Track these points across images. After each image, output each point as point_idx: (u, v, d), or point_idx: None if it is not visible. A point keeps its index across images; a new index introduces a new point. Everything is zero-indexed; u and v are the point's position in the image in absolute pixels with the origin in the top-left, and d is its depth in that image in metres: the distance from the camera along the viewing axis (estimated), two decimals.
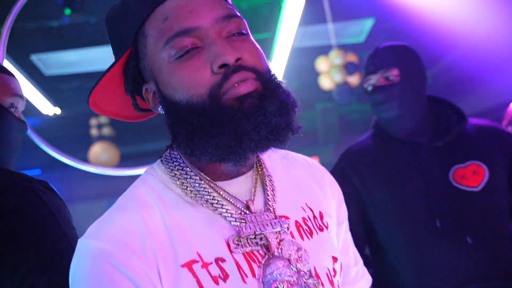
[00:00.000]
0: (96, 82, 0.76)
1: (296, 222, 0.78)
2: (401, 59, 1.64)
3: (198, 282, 0.66)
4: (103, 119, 6.16)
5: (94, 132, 6.09)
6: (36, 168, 8.06)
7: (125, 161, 6.17)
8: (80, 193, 8.02)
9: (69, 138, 5.72)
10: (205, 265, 0.67)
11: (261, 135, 0.67)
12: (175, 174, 0.75)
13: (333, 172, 1.69)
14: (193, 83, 0.68)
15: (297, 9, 3.92)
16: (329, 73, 4.34)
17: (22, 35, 4.33)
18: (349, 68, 4.28)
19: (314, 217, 0.81)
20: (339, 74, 4.21)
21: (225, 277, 0.67)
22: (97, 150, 5.89)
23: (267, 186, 0.78)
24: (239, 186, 0.76)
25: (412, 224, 1.57)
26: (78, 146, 5.74)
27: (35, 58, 5.00)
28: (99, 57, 5.16)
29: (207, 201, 0.72)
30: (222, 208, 0.72)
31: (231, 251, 0.69)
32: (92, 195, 7.89)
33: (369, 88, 1.66)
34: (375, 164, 1.67)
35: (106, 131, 6.12)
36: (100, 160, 5.77)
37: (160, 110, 0.76)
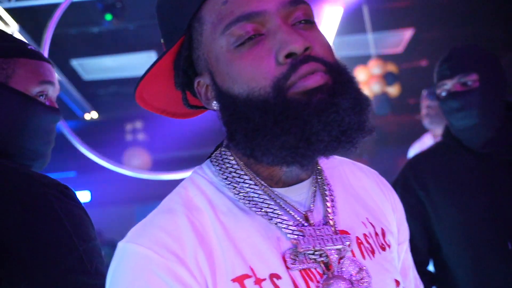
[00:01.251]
0: (144, 74, 0.68)
1: (357, 238, 0.69)
2: (480, 63, 1.49)
3: None
4: (138, 125, 6.25)
5: (129, 137, 6.19)
6: (71, 170, 8.26)
7: (157, 167, 6.23)
8: (113, 197, 8.16)
9: (104, 142, 5.83)
10: (258, 282, 0.60)
11: (332, 135, 0.58)
12: (227, 177, 0.67)
13: (396, 182, 1.58)
14: (255, 74, 0.60)
15: (335, 18, 3.87)
16: (368, 83, 4.25)
17: (63, 40, 4.44)
18: (388, 78, 4.18)
19: (376, 234, 0.72)
20: (378, 85, 4.11)
21: None
22: (130, 155, 5.98)
23: (327, 196, 0.69)
24: (298, 194, 0.68)
25: (480, 245, 1.44)
26: (113, 150, 5.83)
27: (75, 63, 5.13)
28: (136, 63, 5.24)
29: (261, 209, 0.64)
30: (278, 218, 0.64)
31: (287, 267, 0.61)
32: (125, 199, 8.00)
33: (443, 94, 1.52)
34: (442, 176, 1.54)
35: (140, 136, 6.21)
36: (132, 165, 5.85)
37: (214, 105, 0.68)
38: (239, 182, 0.66)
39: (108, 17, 3.49)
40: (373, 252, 0.69)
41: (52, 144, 1.01)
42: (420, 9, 4.64)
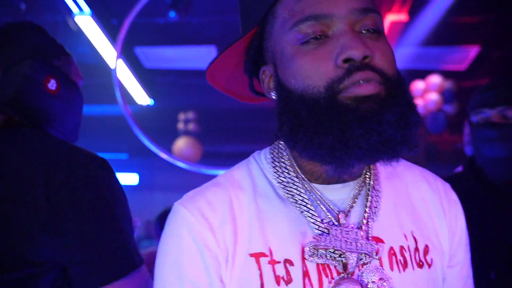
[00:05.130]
0: (217, 54, 0.74)
1: (391, 249, 0.69)
2: None
3: (261, 276, 0.65)
4: (191, 115, 6.40)
5: (181, 126, 6.35)
6: (123, 153, 8.59)
7: (206, 158, 6.35)
8: (160, 182, 8.41)
9: (157, 129, 6.02)
10: (272, 262, 0.66)
11: (370, 143, 0.60)
12: (276, 165, 0.73)
13: None
14: (312, 72, 0.63)
15: (398, 28, 3.80)
16: (424, 98, 4.14)
17: (129, 29, 4.63)
18: (446, 95, 4.05)
19: (416, 249, 0.71)
20: (435, 101, 3.99)
21: (288, 280, 0.65)
22: (181, 143, 6.14)
23: (370, 202, 0.71)
24: (336, 193, 0.71)
25: None
26: (164, 137, 6.01)
27: (139, 51, 5.33)
28: (196, 56, 5.37)
29: (296, 201, 0.69)
30: (309, 212, 0.68)
31: (303, 258, 0.66)
32: (171, 186, 8.22)
33: (479, 121, 1.51)
34: None
35: (192, 126, 6.36)
36: (183, 154, 6.00)
37: (272, 95, 0.73)
38: (283, 171, 0.72)
39: (172, 14, 3.67)
40: (405, 266, 0.70)
41: None
42: (489, 27, 4.45)
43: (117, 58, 3.69)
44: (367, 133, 0.60)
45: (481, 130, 1.50)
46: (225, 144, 7.29)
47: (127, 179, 8.67)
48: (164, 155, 3.87)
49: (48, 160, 0.90)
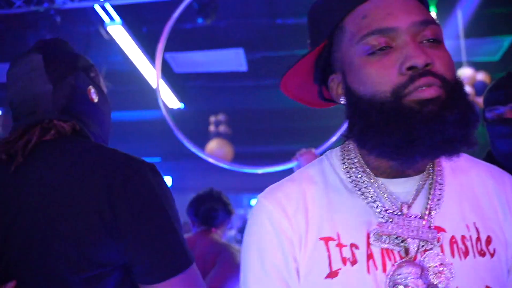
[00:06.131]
0: (290, 66, 0.83)
1: (452, 237, 0.75)
2: None
3: (329, 256, 0.74)
4: (221, 117, 6.48)
5: (212, 128, 6.44)
6: (157, 156, 8.77)
7: (238, 159, 6.42)
8: (193, 184, 8.54)
9: (189, 132, 6.13)
10: (340, 245, 0.74)
11: (434, 141, 0.67)
12: (345, 162, 0.82)
13: None
14: (379, 80, 0.71)
15: None
16: None
17: (158, 35, 4.74)
18: (478, 87, 3.96)
19: (478, 239, 0.76)
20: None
21: (354, 261, 0.73)
22: (213, 145, 6.22)
23: (433, 194, 0.77)
24: (400, 186, 0.77)
25: None
26: (196, 140, 6.11)
27: (168, 56, 5.45)
28: (224, 59, 5.44)
29: (363, 193, 0.77)
30: (374, 203, 0.76)
31: (368, 242, 0.74)
32: (204, 187, 8.32)
33: (493, 118, 1.53)
34: None
35: (223, 128, 6.43)
36: (215, 155, 6.08)
37: (341, 101, 0.81)
38: (352, 167, 0.81)
39: (199, 20, 3.77)
40: (466, 253, 0.74)
41: None
42: None
43: (158, 79, 3.83)
44: (431, 132, 0.66)
45: (495, 126, 1.53)
46: (257, 145, 7.34)
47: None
48: (210, 159, 4.06)
49: (108, 168, 0.97)
